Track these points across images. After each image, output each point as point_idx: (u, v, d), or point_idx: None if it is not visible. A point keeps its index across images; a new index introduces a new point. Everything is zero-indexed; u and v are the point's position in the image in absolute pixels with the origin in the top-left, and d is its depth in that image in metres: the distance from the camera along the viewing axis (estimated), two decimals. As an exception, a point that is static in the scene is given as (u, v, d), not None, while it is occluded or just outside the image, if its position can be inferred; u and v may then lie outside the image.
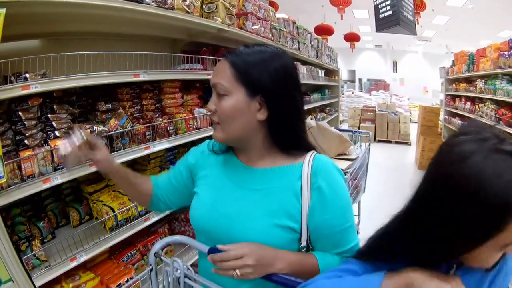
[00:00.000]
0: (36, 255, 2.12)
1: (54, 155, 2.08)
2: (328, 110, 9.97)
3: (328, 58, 9.61)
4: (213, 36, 3.51)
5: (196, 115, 3.14)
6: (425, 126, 9.84)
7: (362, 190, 4.80)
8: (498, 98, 5.81)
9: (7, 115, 1.99)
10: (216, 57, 3.35)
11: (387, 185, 7.69)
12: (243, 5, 3.95)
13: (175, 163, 2.15)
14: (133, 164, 3.06)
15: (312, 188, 1.27)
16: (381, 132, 13.68)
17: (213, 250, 1.24)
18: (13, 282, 1.94)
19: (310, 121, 4.77)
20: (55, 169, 2.11)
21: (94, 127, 2.28)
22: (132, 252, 2.83)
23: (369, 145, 5.18)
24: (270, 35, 4.50)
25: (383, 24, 7.69)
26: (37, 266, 2.11)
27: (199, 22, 2.99)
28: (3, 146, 1.81)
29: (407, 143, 13.26)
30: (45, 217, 2.50)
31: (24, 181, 1.99)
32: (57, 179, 2.10)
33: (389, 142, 13.47)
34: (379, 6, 7.68)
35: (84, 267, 2.52)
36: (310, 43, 7.38)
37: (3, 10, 1.62)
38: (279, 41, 4.92)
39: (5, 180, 1.80)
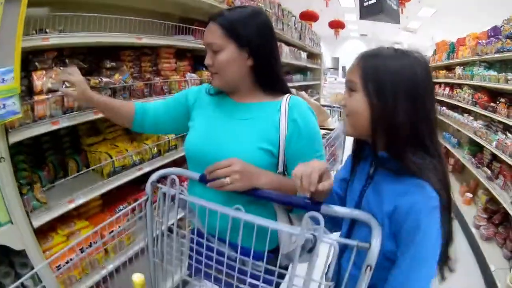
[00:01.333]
0: (37, 197, 2.26)
1: (65, 100, 2.35)
2: (310, 92, 10.19)
3: (311, 42, 9.89)
4: (204, 12, 3.81)
5: (187, 78, 3.49)
6: None
7: (339, 160, 5.16)
8: (475, 83, 6.03)
9: (25, 64, 2.13)
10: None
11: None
12: None
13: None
14: None
15: (288, 120, 1.60)
16: (362, 118, 13.97)
17: (204, 177, 1.50)
18: (12, 223, 2.08)
19: (290, 88, 5.15)
20: (64, 113, 2.36)
21: (103, 79, 2.59)
22: (124, 205, 2.97)
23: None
24: (257, 14, 4.84)
25: (366, 12, 7.77)
26: (37, 209, 2.24)
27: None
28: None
29: None
30: (45, 166, 2.67)
31: (35, 122, 2.21)
32: (65, 122, 2.35)
33: (371, 126, 13.75)
34: None
35: (78, 216, 2.69)
36: (294, 25, 7.67)
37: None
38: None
39: (21, 115, 1.98)
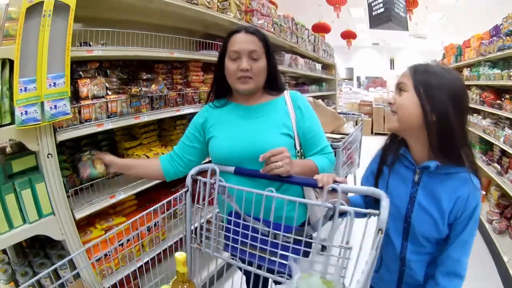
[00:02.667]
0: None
1: (109, 106, 2.65)
2: (326, 102, 10.09)
3: (324, 53, 10.02)
4: (224, 29, 4.10)
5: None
6: None
7: (356, 164, 5.40)
8: (481, 83, 6.09)
9: (70, 73, 2.25)
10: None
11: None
12: (250, 3, 4.54)
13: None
14: (161, 130, 3.63)
15: (294, 108, 1.98)
16: (377, 125, 14.08)
17: (239, 169, 1.83)
18: (54, 215, 2.29)
19: (308, 97, 5.38)
20: (108, 117, 2.65)
21: (142, 88, 2.90)
22: (162, 213, 3.16)
23: (361, 124, 5.83)
24: (272, 29, 5.16)
25: (376, 21, 7.91)
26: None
27: (217, 16, 3.67)
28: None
29: None
30: None
31: (81, 123, 2.48)
32: (109, 125, 2.61)
33: (385, 134, 13.68)
34: (372, 4, 7.91)
35: (115, 214, 2.91)
36: (308, 38, 7.87)
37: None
38: (280, 35, 5.55)
39: (71, 116, 2.23)
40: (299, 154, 1.96)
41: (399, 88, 1.56)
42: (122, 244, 2.42)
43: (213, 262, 2.58)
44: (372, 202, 1.68)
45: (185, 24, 3.91)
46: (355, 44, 19.61)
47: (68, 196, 2.38)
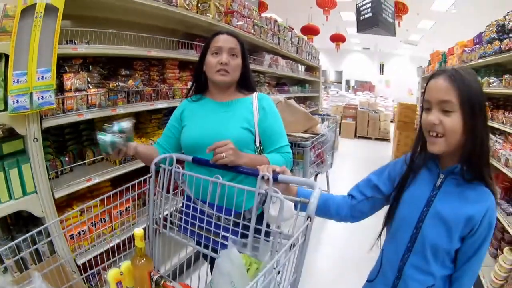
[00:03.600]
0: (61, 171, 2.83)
1: (89, 98, 2.91)
2: (308, 104, 10.55)
3: (309, 55, 10.20)
4: (204, 29, 4.43)
5: (189, 86, 3.94)
6: (401, 121, 10.26)
7: (327, 164, 5.59)
8: None
9: (56, 67, 2.50)
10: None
11: (361, 174, 8.45)
12: (231, 5, 4.79)
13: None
14: (138, 123, 3.88)
15: (259, 107, 2.21)
16: (361, 129, 14.25)
17: (196, 159, 2.02)
18: (36, 193, 2.55)
19: (277, 96, 5.57)
20: (88, 108, 2.91)
21: (119, 83, 3.15)
22: (130, 193, 3.30)
23: (335, 126, 6.03)
24: (252, 30, 5.39)
25: (363, 25, 8.24)
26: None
27: (196, 17, 3.91)
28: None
29: (387, 139, 13.71)
30: (67, 154, 3.18)
31: (64, 113, 2.76)
32: (88, 115, 2.87)
33: (369, 138, 13.99)
34: (361, 9, 8.07)
35: (91, 198, 3.08)
36: (291, 40, 8.05)
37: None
38: (260, 36, 5.77)
39: (55, 106, 2.50)
40: (258, 150, 2.19)
41: (443, 107, 1.46)
42: (95, 224, 2.69)
43: (181, 252, 2.78)
44: (379, 204, 1.83)
45: (166, 24, 4.14)
46: (346, 47, 19.58)
47: (50, 178, 2.65)
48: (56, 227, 2.41)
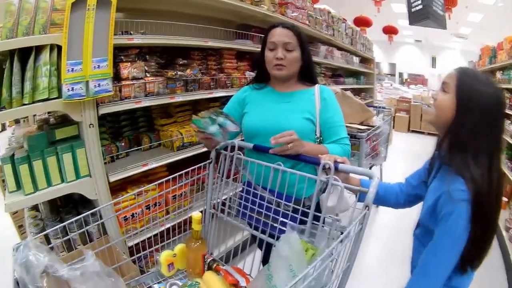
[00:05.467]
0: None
1: (147, 87, 2.99)
2: (363, 95, 10.36)
3: (363, 47, 10.08)
4: (259, 20, 4.44)
5: (247, 76, 4.08)
6: None
7: (382, 156, 5.54)
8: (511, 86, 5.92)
9: (114, 57, 2.64)
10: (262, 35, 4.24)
11: (413, 169, 8.30)
12: None
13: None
14: (195, 111, 3.84)
15: (321, 99, 2.19)
16: (414, 123, 13.92)
17: (257, 146, 2.04)
18: (91, 177, 2.65)
19: (334, 87, 5.54)
20: (145, 96, 2.99)
21: (178, 72, 3.23)
22: (185, 179, 3.28)
23: (390, 118, 5.96)
24: (307, 21, 5.38)
25: (415, 18, 8.00)
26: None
27: (250, 9, 3.95)
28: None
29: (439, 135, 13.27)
30: (122, 139, 3.28)
31: (121, 100, 2.84)
32: (146, 103, 2.95)
33: (422, 132, 13.63)
34: (411, 1, 7.99)
35: (146, 182, 3.15)
36: (345, 31, 7.99)
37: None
38: (315, 27, 5.75)
39: (112, 93, 2.61)
40: (318, 141, 2.19)
41: (442, 88, 1.62)
42: (149, 208, 2.72)
43: (235, 236, 2.80)
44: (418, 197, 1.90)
45: (221, 15, 4.20)
46: (398, 40, 19.21)
47: (105, 163, 2.74)
48: (109, 209, 2.49)
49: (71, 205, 3.00)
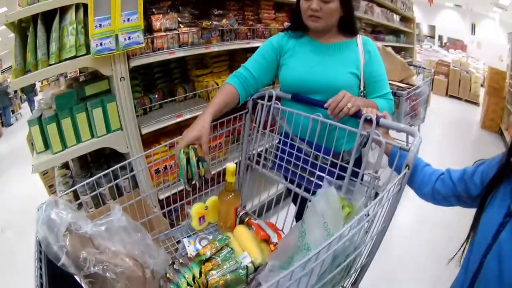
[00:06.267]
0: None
1: (181, 37, 2.92)
2: (403, 54, 10.07)
3: (403, 5, 9.82)
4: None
5: (285, 26, 3.89)
6: (491, 86, 9.62)
7: (420, 117, 5.41)
8: None
9: (144, 10, 2.56)
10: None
11: (449, 135, 8.16)
12: None
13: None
14: (232, 61, 3.87)
15: (365, 51, 2.06)
16: (452, 88, 13.65)
17: (296, 96, 2.00)
18: (122, 130, 2.65)
19: (376, 42, 5.40)
20: (179, 46, 2.92)
21: (213, 22, 3.12)
22: (222, 129, 3.39)
23: (430, 79, 5.81)
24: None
25: None
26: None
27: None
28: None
29: (476, 103, 12.80)
30: (156, 91, 3.24)
31: (154, 52, 2.78)
32: (180, 53, 2.90)
33: (460, 99, 13.35)
34: None
35: (180, 133, 3.02)
36: None
37: None
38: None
39: (144, 45, 2.57)
40: (362, 94, 2.08)
41: None
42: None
43: (269, 190, 2.76)
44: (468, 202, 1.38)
45: None
46: (439, 2, 18.78)
47: (137, 115, 2.71)
48: (141, 162, 2.49)
49: (102, 160, 3.01)
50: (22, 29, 2.38)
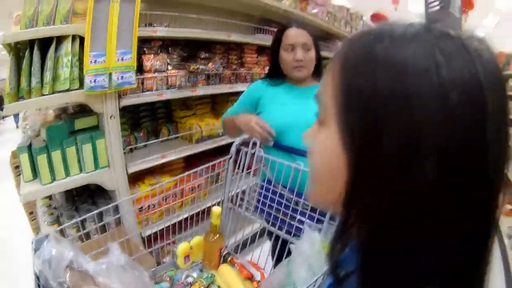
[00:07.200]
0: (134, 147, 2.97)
1: (169, 80, 3.04)
2: None
3: None
4: (280, 15, 4.40)
5: (266, 70, 4.06)
6: None
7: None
8: None
9: (137, 49, 2.64)
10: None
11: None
12: None
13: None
14: (215, 104, 4.02)
15: None
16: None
17: (277, 144, 2.12)
18: (109, 167, 2.68)
19: None
20: (168, 89, 3.05)
21: (200, 66, 3.27)
22: (206, 173, 3.46)
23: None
24: (326, 18, 5.39)
25: (431, 18, 8.08)
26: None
27: (273, 4, 3.96)
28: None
29: None
30: (141, 130, 3.29)
31: (143, 92, 2.89)
32: (168, 95, 3.02)
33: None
34: (429, 1, 8.04)
35: (163, 173, 3.24)
36: (363, 28, 8.00)
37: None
38: (334, 24, 5.77)
39: (135, 86, 2.64)
40: None
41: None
42: (165, 199, 2.77)
43: (247, 228, 2.86)
44: None
45: (243, 8, 4.16)
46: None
47: (124, 153, 2.78)
48: (128, 202, 2.56)
49: (86, 193, 3.04)
50: (18, 50, 2.40)
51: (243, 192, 2.14)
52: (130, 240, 2.00)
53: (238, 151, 2.13)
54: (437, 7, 7.76)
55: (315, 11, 4.90)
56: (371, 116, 0.50)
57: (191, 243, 1.96)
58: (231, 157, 2.13)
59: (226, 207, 2.19)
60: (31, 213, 3.63)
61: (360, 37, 0.59)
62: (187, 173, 2.08)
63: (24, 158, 2.46)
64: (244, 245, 2.15)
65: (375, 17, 12.52)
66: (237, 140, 2.11)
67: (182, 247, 1.93)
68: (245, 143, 2.11)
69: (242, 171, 2.09)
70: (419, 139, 0.47)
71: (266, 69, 3.98)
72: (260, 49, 4.32)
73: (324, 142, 0.62)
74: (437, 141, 0.47)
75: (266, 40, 4.09)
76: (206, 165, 2.12)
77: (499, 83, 0.52)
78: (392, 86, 0.49)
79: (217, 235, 1.90)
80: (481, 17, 12.70)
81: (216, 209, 1.83)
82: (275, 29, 4.10)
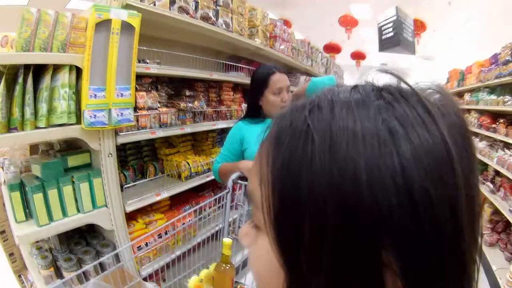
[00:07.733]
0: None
1: (161, 118, 3.13)
2: None
3: (335, 74, 10.20)
4: (250, 52, 4.67)
5: (243, 108, 4.35)
6: None
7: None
8: (480, 107, 6.46)
9: None
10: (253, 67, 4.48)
11: None
12: (273, 30, 5.00)
13: (221, 142, 3.37)
14: (194, 141, 4.11)
15: None
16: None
17: None
18: (107, 207, 2.61)
19: None
20: (160, 126, 3.12)
21: (188, 104, 3.42)
22: (187, 207, 3.55)
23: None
24: (291, 53, 5.64)
25: (385, 45, 8.25)
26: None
27: (247, 42, 4.15)
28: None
29: None
30: (129, 168, 3.33)
31: (138, 130, 2.92)
32: (160, 133, 3.07)
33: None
34: (382, 28, 8.16)
35: (153, 211, 3.21)
36: (321, 60, 8.26)
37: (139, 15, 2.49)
38: (297, 59, 6.02)
39: (134, 123, 2.66)
40: None
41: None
42: (160, 236, 2.85)
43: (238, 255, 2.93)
44: None
45: (214, 45, 4.32)
46: (365, 64, 19.68)
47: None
48: (128, 250, 2.60)
49: (78, 235, 2.93)
50: (9, 73, 2.17)
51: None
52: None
53: (234, 185, 2.26)
54: (391, 34, 8.11)
55: (282, 47, 5.14)
56: (312, 233, 0.41)
57: (200, 276, 2.01)
58: (228, 191, 2.25)
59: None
60: (11, 254, 3.37)
61: (291, 113, 0.51)
62: (188, 212, 2.21)
63: (16, 197, 2.29)
64: (237, 270, 2.23)
65: (328, 47, 12.92)
66: (233, 176, 2.23)
67: (193, 282, 1.97)
68: (241, 177, 2.25)
69: (244, 204, 2.24)
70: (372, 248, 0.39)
71: (243, 106, 4.21)
72: (235, 86, 4.51)
73: (260, 250, 0.51)
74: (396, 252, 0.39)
75: (240, 77, 4.33)
76: (201, 205, 2.24)
77: (469, 145, 0.46)
78: (335, 190, 0.39)
79: (229, 266, 1.96)
80: (434, 36, 13.00)
81: (228, 240, 1.90)
82: (245, 66, 4.35)
